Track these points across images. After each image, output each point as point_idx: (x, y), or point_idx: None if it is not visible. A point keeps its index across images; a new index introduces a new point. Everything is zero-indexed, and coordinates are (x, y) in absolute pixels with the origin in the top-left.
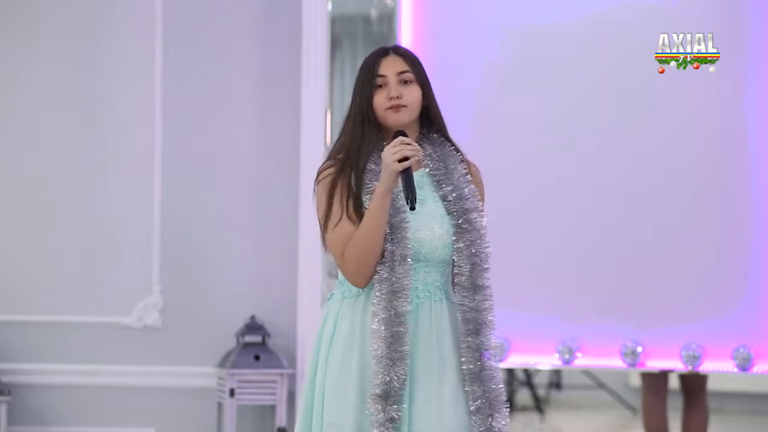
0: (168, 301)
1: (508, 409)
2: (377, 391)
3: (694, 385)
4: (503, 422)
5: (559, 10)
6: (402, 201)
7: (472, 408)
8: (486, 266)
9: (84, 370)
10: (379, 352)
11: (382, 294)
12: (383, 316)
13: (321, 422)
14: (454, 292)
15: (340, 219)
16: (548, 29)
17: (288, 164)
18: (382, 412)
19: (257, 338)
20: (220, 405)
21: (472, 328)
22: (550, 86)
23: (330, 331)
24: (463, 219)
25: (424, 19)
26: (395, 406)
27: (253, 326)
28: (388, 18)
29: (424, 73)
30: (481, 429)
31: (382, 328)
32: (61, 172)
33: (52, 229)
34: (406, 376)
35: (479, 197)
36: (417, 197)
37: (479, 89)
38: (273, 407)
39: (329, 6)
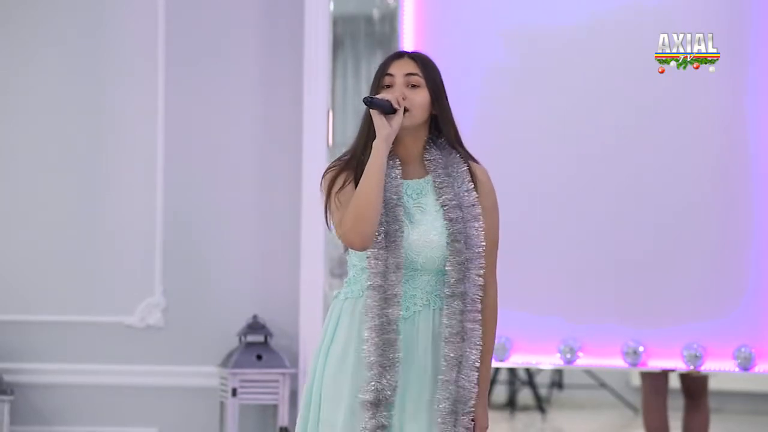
0: (170, 300)
1: (471, 417)
2: (368, 398)
3: (695, 386)
4: (465, 430)
5: (560, 12)
6: (400, 210)
7: (438, 419)
8: (476, 276)
9: (86, 370)
10: (372, 358)
11: (375, 301)
12: (375, 323)
13: (318, 419)
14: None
15: (341, 192)
16: (549, 31)
17: (290, 164)
18: (373, 418)
19: (259, 338)
20: (222, 404)
21: (453, 337)
22: (552, 88)
23: (332, 329)
24: (458, 228)
25: (426, 19)
26: (385, 413)
27: (255, 326)
28: (390, 18)
29: (439, 80)
30: None
31: (374, 335)
32: (63, 171)
33: (55, 229)
34: (396, 382)
35: (487, 203)
36: (376, 101)
37: (481, 89)
38: (275, 407)
39: (331, 6)
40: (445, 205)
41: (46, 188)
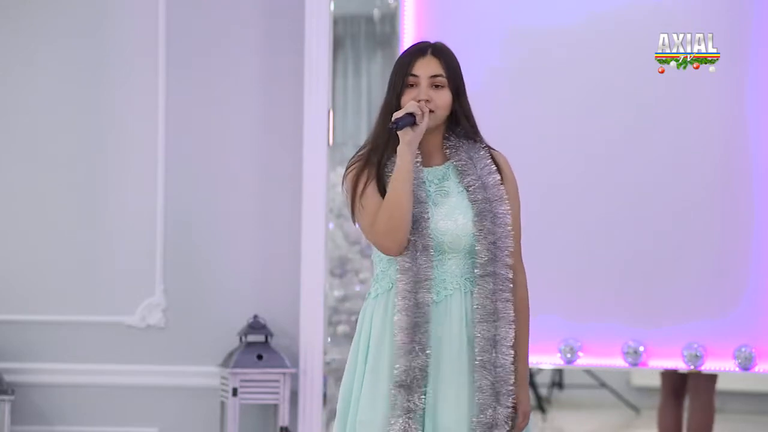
0: (171, 300)
1: (513, 400)
2: (399, 381)
3: (701, 384)
4: (507, 409)
5: (560, 12)
6: (423, 193)
7: (478, 400)
8: (506, 255)
9: (87, 370)
10: (401, 341)
11: (406, 284)
12: (405, 305)
13: (356, 420)
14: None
15: (365, 193)
16: (549, 31)
17: (291, 164)
18: (406, 401)
19: (260, 337)
20: (222, 404)
21: (486, 317)
22: (552, 88)
23: (367, 330)
24: (483, 207)
25: (426, 19)
26: (416, 396)
27: (255, 325)
28: (391, 18)
29: (460, 77)
30: (485, 421)
31: (404, 317)
32: (63, 171)
33: (55, 229)
34: (427, 365)
35: (509, 189)
36: (401, 124)
37: (481, 89)
38: (276, 406)
39: (332, 6)
40: (470, 186)
41: (46, 188)
